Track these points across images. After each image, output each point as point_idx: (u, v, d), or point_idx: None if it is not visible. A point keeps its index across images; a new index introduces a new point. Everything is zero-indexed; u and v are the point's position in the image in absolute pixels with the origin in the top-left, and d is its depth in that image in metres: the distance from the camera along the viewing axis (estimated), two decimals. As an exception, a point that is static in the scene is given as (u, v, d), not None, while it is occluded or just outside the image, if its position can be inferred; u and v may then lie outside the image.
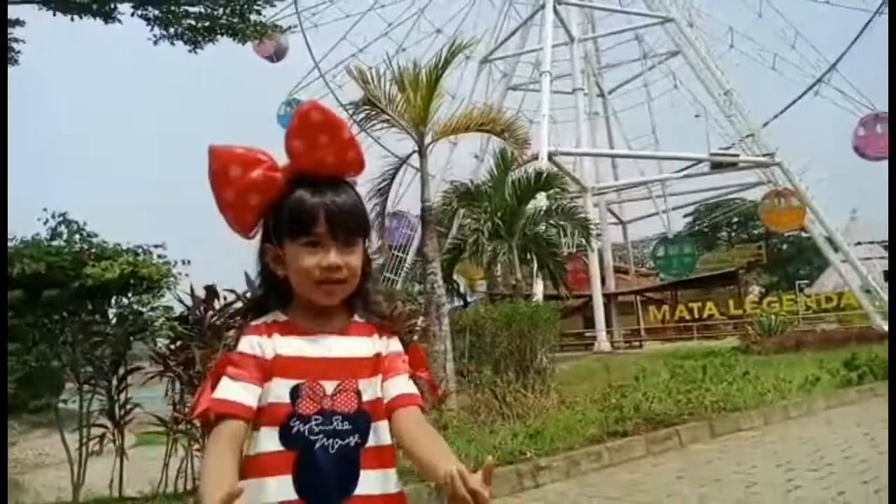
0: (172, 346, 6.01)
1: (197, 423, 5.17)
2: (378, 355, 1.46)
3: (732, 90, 30.37)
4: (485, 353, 9.89)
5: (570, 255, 24.25)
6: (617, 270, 36.47)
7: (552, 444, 6.35)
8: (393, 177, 10.50)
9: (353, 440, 1.37)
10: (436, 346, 8.95)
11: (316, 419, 1.35)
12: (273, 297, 1.46)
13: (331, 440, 1.35)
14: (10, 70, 7.17)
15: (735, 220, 49.15)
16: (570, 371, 14.01)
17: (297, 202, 1.39)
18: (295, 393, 1.35)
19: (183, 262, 6.09)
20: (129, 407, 6.14)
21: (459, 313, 10.54)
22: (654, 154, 32.29)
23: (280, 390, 1.35)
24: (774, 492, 5.08)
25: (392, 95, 9.67)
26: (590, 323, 30.06)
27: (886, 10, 30.97)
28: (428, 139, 9.88)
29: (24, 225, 5.83)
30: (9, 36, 6.88)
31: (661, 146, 38.78)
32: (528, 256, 13.79)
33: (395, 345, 1.52)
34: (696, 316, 31.37)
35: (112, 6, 6.41)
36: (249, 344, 1.38)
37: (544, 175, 13.69)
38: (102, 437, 6.14)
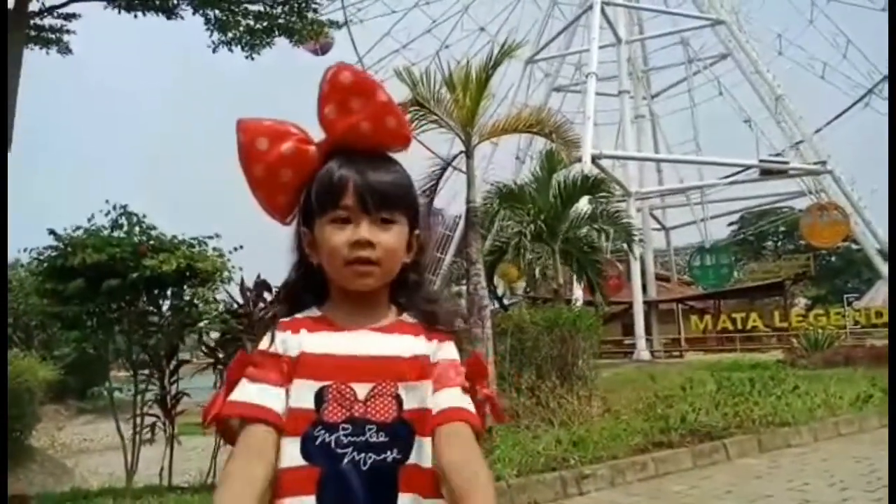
0: (223, 339, 6.13)
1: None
2: (425, 357, 1.22)
3: (784, 95, 29.67)
4: (526, 357, 9.84)
5: (607, 261, 24.03)
6: (658, 278, 35.91)
7: (596, 452, 6.29)
8: (439, 178, 10.51)
9: (390, 455, 1.15)
10: (477, 348, 8.92)
11: (345, 428, 1.14)
12: (308, 288, 1.29)
13: (363, 454, 1.13)
14: (65, 60, 7.35)
15: (782, 229, 47.94)
16: (610, 379, 13.83)
17: (325, 173, 1.24)
18: (320, 397, 1.15)
19: (235, 249, 6.20)
20: (179, 397, 6.29)
21: (502, 316, 10.49)
22: (704, 160, 31.69)
23: (303, 393, 1.16)
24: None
25: (440, 96, 9.68)
26: (629, 330, 29.67)
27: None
28: (475, 140, 9.87)
29: (84, 216, 6.01)
30: (64, 27, 7.04)
31: (703, 154, 38.10)
32: (570, 260, 13.67)
33: (448, 350, 1.26)
34: (740, 327, 30.69)
35: (175, 2, 6.55)
36: (272, 341, 1.22)
37: (591, 179, 13.56)
38: (153, 425, 6.29)
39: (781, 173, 28.92)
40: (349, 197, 1.20)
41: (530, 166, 34.28)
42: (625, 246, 17.94)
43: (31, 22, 6.25)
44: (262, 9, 6.97)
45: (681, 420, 7.20)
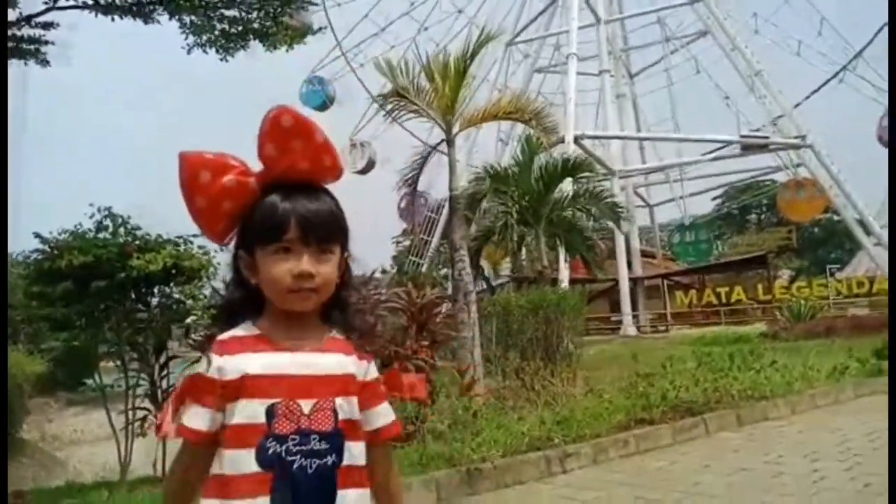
0: (210, 334, 6.24)
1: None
2: (354, 376, 1.41)
3: (763, 70, 29.86)
4: (512, 339, 10.02)
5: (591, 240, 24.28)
6: (644, 254, 36.25)
7: (579, 431, 6.44)
8: (422, 166, 10.60)
9: (330, 460, 1.34)
10: (464, 332, 9.08)
11: (293, 439, 1.31)
12: (245, 306, 1.41)
13: (308, 460, 1.32)
14: (44, 71, 7.33)
15: (765, 202, 48.43)
16: (596, 356, 14.06)
17: (267, 207, 1.36)
18: (270, 412, 1.31)
19: (220, 250, 6.27)
20: (170, 391, 6.40)
21: (488, 300, 10.64)
22: (687, 137, 31.85)
23: (253, 410, 1.31)
24: (801, 482, 5.15)
25: (420, 86, 9.75)
26: (616, 307, 30.00)
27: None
28: (456, 128, 9.96)
29: (70, 219, 6.06)
30: (42, 38, 7.01)
31: (681, 132, 38.29)
32: (555, 242, 13.84)
33: (373, 370, 1.48)
34: (724, 301, 31.10)
35: (151, 8, 6.56)
36: (210, 366, 1.33)
37: (571, 161, 13.68)
38: (144, 418, 6.41)
39: (762, 148, 29.19)
40: (291, 231, 1.33)
41: (513, 149, 34.48)
42: (610, 224, 18.14)
43: (10, 33, 6.23)
44: (237, 14, 6.98)
45: (661, 397, 7.39)
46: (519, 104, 10.33)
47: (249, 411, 1.30)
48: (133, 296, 6.15)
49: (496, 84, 34.22)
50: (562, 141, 21.43)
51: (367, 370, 1.46)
